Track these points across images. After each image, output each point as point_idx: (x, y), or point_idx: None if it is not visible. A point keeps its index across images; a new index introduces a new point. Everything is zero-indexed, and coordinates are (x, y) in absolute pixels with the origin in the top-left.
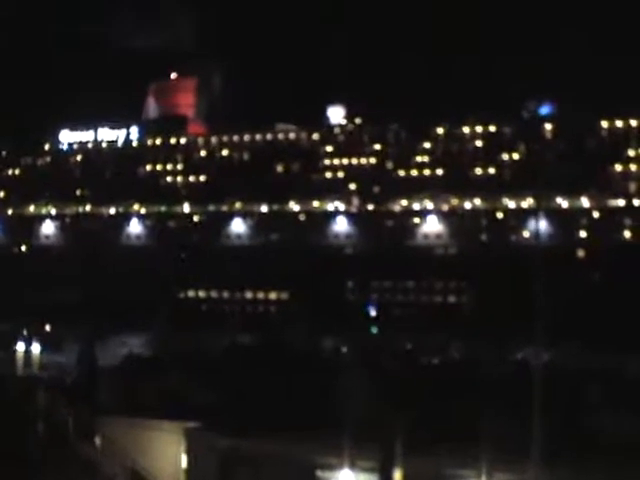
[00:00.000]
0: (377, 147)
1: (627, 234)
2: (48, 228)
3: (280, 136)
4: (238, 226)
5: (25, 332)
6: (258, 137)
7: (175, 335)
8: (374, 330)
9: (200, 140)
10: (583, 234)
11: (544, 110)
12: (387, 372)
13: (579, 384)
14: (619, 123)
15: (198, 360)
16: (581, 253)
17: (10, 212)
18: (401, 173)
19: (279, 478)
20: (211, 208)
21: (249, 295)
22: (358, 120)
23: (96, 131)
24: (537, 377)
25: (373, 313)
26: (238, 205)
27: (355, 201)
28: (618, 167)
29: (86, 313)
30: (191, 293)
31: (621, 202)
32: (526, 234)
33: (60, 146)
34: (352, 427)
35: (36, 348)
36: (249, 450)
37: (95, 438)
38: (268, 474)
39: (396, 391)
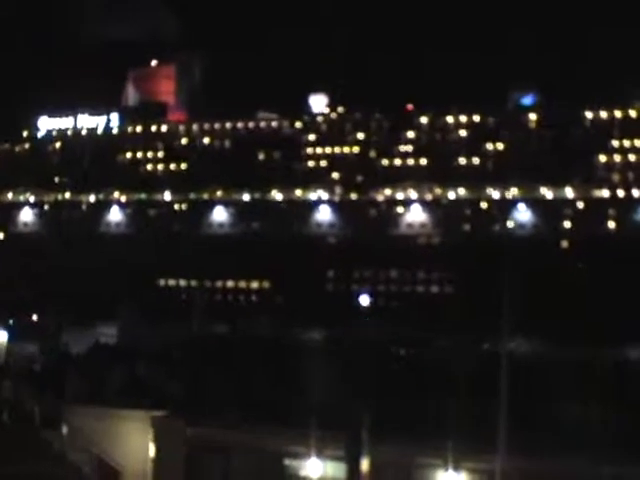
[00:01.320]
0: (360, 136)
1: (611, 225)
2: (26, 216)
3: (262, 124)
4: (220, 215)
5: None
6: (240, 125)
7: (146, 325)
8: (366, 320)
9: (181, 128)
10: (567, 224)
11: (527, 100)
12: (356, 362)
13: (542, 374)
14: (603, 114)
15: (166, 349)
16: (565, 244)
17: None
18: (384, 162)
19: (247, 467)
20: (192, 196)
21: (230, 285)
22: (341, 109)
23: (75, 118)
24: (503, 367)
25: (365, 302)
26: (219, 193)
27: (338, 190)
28: (602, 158)
29: (60, 303)
30: (172, 282)
31: (605, 193)
32: (510, 224)
33: (38, 133)
34: (319, 416)
35: (3, 336)
36: (217, 439)
37: (62, 427)
38: (236, 463)
39: (364, 381)
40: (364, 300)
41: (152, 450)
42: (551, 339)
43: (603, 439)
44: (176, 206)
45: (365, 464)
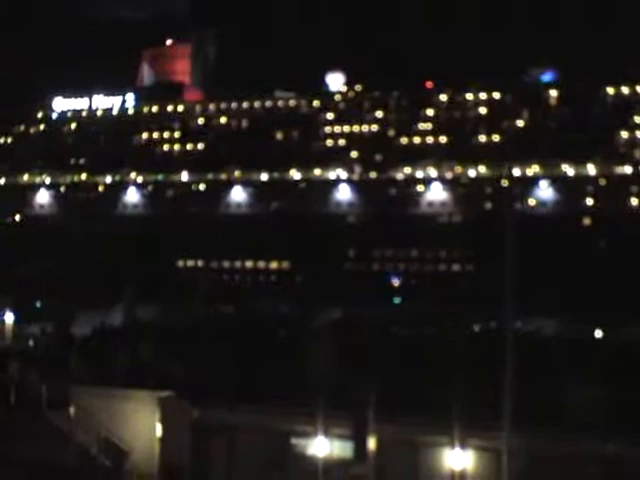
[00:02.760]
0: (379, 114)
1: (634, 201)
2: (43, 197)
3: (279, 103)
4: (238, 194)
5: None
6: (257, 104)
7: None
8: (397, 300)
9: (197, 107)
10: (589, 202)
11: (546, 77)
12: (357, 342)
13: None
14: (625, 90)
15: (172, 330)
16: (587, 221)
17: (3, 181)
18: (403, 141)
19: (253, 446)
20: (210, 176)
21: (250, 265)
22: (358, 87)
23: (91, 99)
24: (509, 346)
25: (396, 283)
26: (237, 173)
27: (357, 169)
28: (624, 134)
29: (72, 285)
30: (190, 263)
31: (628, 169)
32: (532, 202)
33: (53, 114)
34: (325, 395)
35: (10, 318)
36: (223, 419)
37: (68, 408)
38: (242, 442)
39: (367, 360)
40: (395, 281)
41: (159, 430)
42: (571, 318)
43: (608, 418)
44: (194, 186)
45: (372, 443)
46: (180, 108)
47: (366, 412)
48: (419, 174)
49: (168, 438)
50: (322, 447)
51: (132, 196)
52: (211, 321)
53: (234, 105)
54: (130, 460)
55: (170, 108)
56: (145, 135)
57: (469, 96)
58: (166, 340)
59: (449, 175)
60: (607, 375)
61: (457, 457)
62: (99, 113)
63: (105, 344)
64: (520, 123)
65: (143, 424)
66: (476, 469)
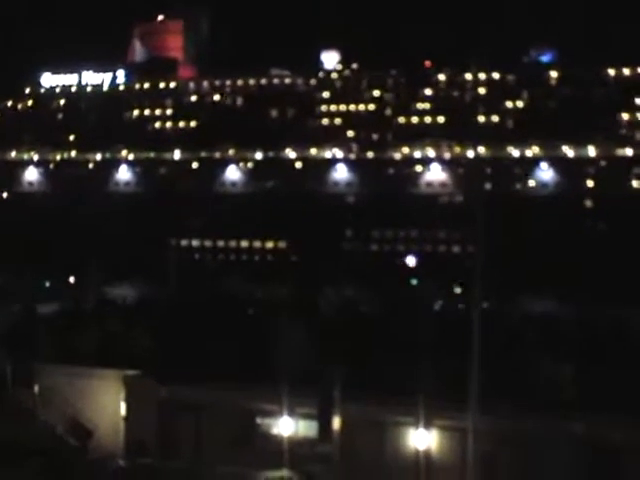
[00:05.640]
0: (376, 93)
1: (635, 184)
2: (31, 174)
3: (275, 81)
4: (233, 173)
5: None
6: (252, 82)
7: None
8: (414, 281)
9: (191, 84)
10: (590, 184)
11: (546, 58)
12: (325, 322)
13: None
14: (626, 71)
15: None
16: (588, 203)
17: None
18: (401, 120)
19: (219, 425)
20: (203, 154)
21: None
22: (354, 66)
23: (80, 74)
24: (475, 326)
25: (412, 264)
26: (231, 152)
27: (354, 148)
28: (625, 115)
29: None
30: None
31: (629, 151)
32: (531, 183)
33: (41, 89)
34: (290, 375)
35: None
36: (189, 398)
37: (34, 386)
38: (208, 421)
39: (333, 340)
40: (411, 261)
41: (124, 409)
42: (567, 299)
43: (575, 397)
44: (187, 165)
45: (337, 422)
46: (173, 85)
47: (331, 392)
48: (417, 154)
49: (133, 416)
50: (287, 426)
51: (123, 174)
52: (181, 299)
53: (228, 82)
54: (95, 439)
55: (162, 85)
56: (136, 112)
57: (468, 76)
58: (132, 319)
59: (448, 155)
60: (573, 354)
61: (421, 437)
62: (89, 89)
63: (72, 323)
64: (520, 104)
65: (108, 403)
66: (441, 449)
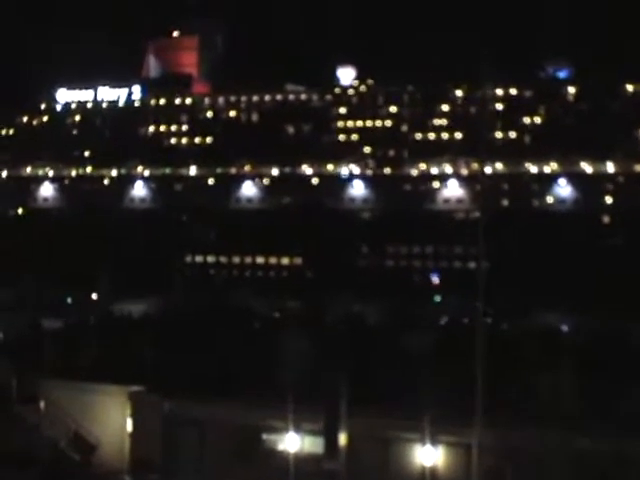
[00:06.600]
0: (392, 109)
1: None
2: (46, 190)
3: (290, 97)
4: (248, 189)
5: None
6: (267, 98)
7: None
8: (437, 299)
9: (206, 100)
10: (609, 200)
11: (562, 73)
12: (331, 336)
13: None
14: None
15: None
16: (606, 219)
17: (5, 174)
18: (418, 136)
19: (224, 441)
20: (219, 170)
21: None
22: (370, 81)
23: (96, 90)
24: (479, 341)
25: (436, 281)
26: (247, 168)
27: (370, 164)
28: None
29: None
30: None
31: None
32: (549, 199)
33: (57, 105)
34: (296, 390)
35: None
36: (193, 413)
37: (39, 401)
38: (213, 437)
39: (339, 354)
40: (435, 279)
41: (129, 424)
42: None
43: (580, 412)
44: (202, 181)
45: (343, 438)
46: (188, 101)
47: (337, 407)
48: (434, 170)
49: (139, 432)
50: (293, 442)
51: (139, 190)
52: (186, 313)
53: (244, 98)
54: (99, 454)
55: (178, 101)
56: (152, 128)
57: (485, 92)
58: (139, 333)
59: (465, 172)
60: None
61: (428, 453)
62: (104, 105)
63: (78, 337)
64: (537, 120)
65: (113, 418)
66: (447, 465)
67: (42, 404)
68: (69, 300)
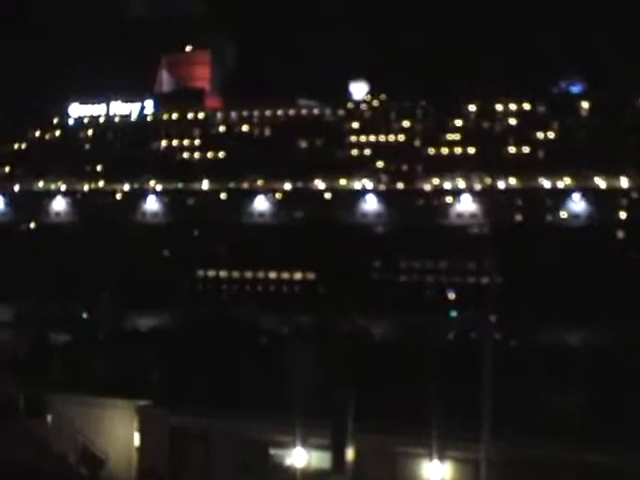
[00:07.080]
0: (405, 124)
1: None
2: (59, 205)
3: (303, 111)
4: (261, 204)
5: None
6: (280, 112)
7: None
8: (453, 314)
9: (219, 115)
10: (623, 215)
11: (576, 88)
12: (337, 350)
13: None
14: None
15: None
16: (621, 234)
17: (17, 188)
18: (431, 151)
19: (231, 456)
20: (231, 185)
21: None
22: (383, 96)
23: (108, 105)
24: (487, 356)
25: (452, 296)
26: (260, 182)
27: (383, 179)
28: None
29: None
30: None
31: None
32: (563, 214)
33: (69, 120)
34: (303, 404)
35: None
36: (201, 427)
37: (46, 416)
38: (220, 451)
39: (346, 369)
40: (451, 295)
41: (137, 439)
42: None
43: (587, 426)
44: (215, 195)
45: (350, 453)
46: (201, 115)
47: (345, 422)
48: (447, 185)
49: (146, 446)
50: (300, 457)
51: (151, 204)
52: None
53: (256, 113)
54: (107, 468)
55: (190, 115)
56: (164, 142)
57: (498, 106)
58: (145, 347)
59: (478, 187)
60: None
61: (435, 468)
62: (117, 119)
63: (85, 351)
64: (551, 134)
65: (121, 432)
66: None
67: (49, 418)
68: (80, 314)
